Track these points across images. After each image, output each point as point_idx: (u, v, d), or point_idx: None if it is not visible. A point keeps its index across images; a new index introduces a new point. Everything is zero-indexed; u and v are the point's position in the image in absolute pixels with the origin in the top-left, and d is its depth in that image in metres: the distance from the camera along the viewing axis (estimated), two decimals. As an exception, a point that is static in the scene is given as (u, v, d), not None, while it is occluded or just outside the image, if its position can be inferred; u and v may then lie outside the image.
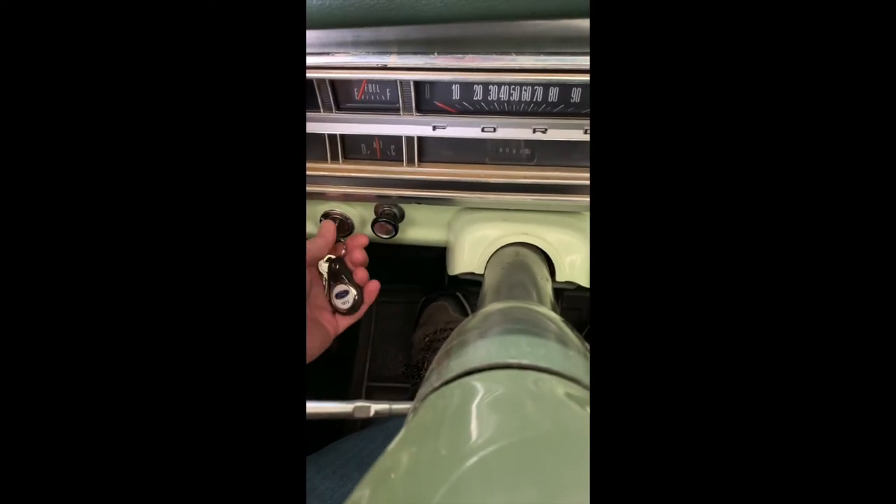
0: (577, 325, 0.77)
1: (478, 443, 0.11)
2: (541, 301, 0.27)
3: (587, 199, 0.39)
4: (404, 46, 0.32)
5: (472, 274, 0.41)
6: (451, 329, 0.86)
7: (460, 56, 0.34)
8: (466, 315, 0.86)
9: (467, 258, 0.40)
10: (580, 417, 0.13)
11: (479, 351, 0.17)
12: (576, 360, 0.17)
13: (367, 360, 0.92)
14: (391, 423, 0.48)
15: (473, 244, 0.40)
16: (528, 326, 0.19)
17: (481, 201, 0.41)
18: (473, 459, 0.11)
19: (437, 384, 0.16)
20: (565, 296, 0.81)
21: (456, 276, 0.44)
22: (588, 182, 0.39)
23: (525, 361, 0.16)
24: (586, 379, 0.16)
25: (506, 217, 0.40)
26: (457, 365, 0.16)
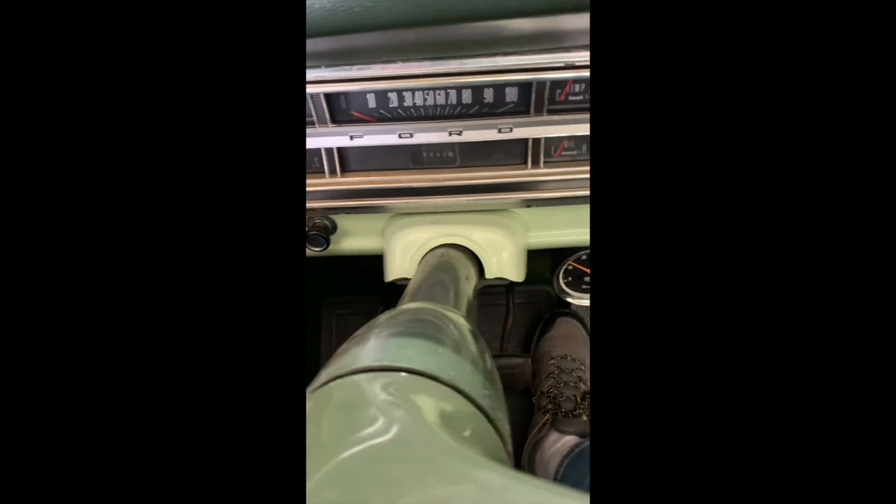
0: (534, 319, 0.78)
1: (324, 445, 0.12)
2: (457, 300, 0.28)
3: (514, 195, 0.40)
4: (312, 60, 0.32)
5: (406, 279, 0.41)
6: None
7: (370, 66, 0.34)
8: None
9: (399, 263, 0.41)
10: (416, 427, 0.13)
11: (364, 353, 0.17)
12: (462, 365, 0.17)
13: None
14: None
15: (404, 249, 0.40)
16: (428, 326, 0.19)
17: (410, 206, 0.41)
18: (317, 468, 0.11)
19: (320, 381, 0.16)
20: (519, 290, 0.82)
21: (393, 283, 0.44)
22: (511, 180, 0.40)
23: (397, 364, 0.16)
24: (469, 386, 0.16)
25: (434, 220, 0.41)
26: (342, 364, 0.16)
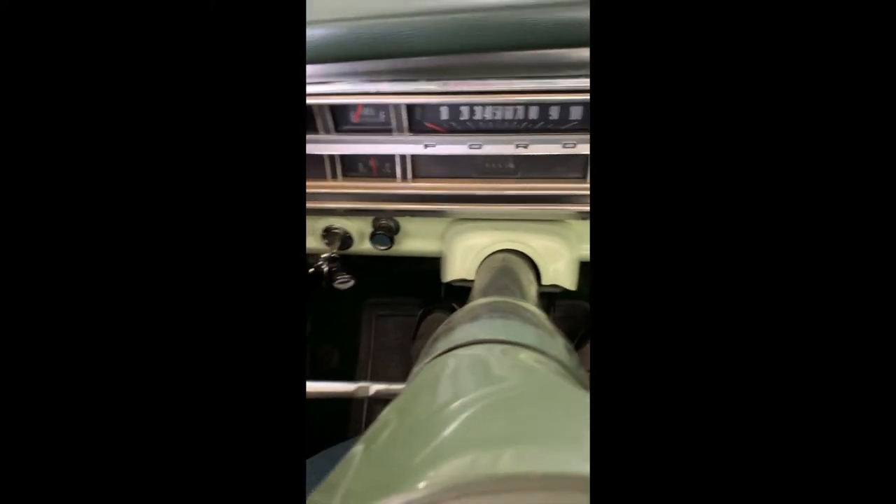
0: (569, 334, 0.79)
1: (452, 398, 0.14)
2: (525, 299, 0.30)
3: (569, 207, 0.42)
4: (395, 75, 0.36)
5: (464, 280, 0.44)
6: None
7: (447, 81, 0.38)
8: (464, 326, 0.89)
9: (459, 266, 0.43)
10: (538, 371, 0.16)
11: (461, 334, 0.20)
12: (545, 338, 0.20)
13: (368, 373, 0.94)
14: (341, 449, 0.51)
15: (464, 252, 0.43)
16: (507, 314, 0.22)
17: (471, 212, 0.44)
18: (453, 409, 0.13)
19: (425, 361, 0.19)
20: (558, 305, 0.84)
21: (451, 285, 0.46)
22: (568, 192, 0.42)
23: (499, 337, 0.18)
24: (554, 352, 0.19)
25: (494, 226, 0.43)
26: (443, 345, 0.19)
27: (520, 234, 0.42)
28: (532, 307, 0.25)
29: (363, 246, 0.49)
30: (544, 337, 0.20)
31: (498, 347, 0.18)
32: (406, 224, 0.48)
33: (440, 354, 0.18)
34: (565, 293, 0.70)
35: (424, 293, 0.96)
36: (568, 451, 0.11)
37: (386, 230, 0.46)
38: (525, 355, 0.17)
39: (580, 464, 0.10)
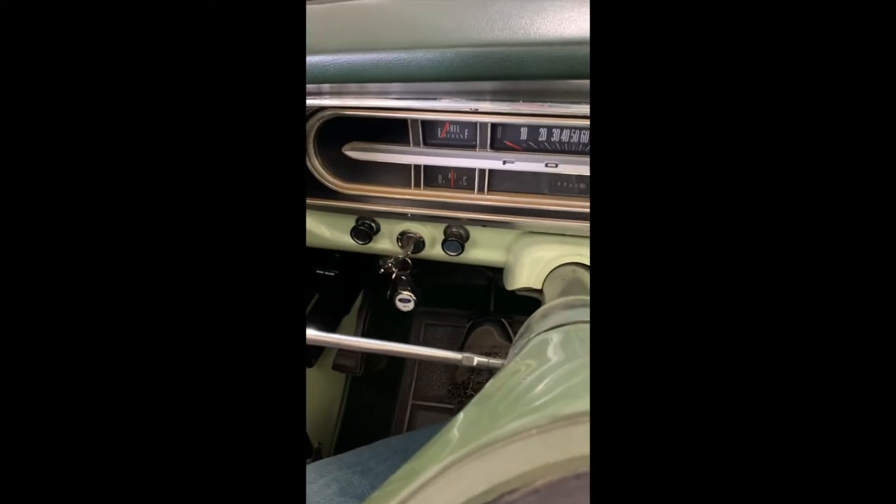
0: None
1: (565, 359, 0.17)
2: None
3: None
4: (496, 95, 0.39)
5: (529, 289, 0.46)
6: (496, 353, 0.90)
7: (529, 104, 0.41)
8: (510, 339, 0.91)
9: (526, 275, 0.46)
10: None
11: (560, 316, 0.23)
12: None
13: (413, 380, 0.97)
14: (433, 427, 0.53)
15: (532, 263, 0.46)
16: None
17: (540, 226, 0.47)
18: (574, 363, 0.16)
19: (531, 335, 0.22)
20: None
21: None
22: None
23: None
24: None
25: (562, 240, 0.46)
26: (543, 325, 0.22)
27: (586, 249, 0.44)
28: None
29: (434, 251, 0.53)
30: None
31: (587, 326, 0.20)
32: (476, 233, 0.52)
33: (540, 333, 0.21)
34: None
35: (473, 305, 0.98)
36: None
37: (457, 237, 0.50)
38: None
39: None
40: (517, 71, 0.37)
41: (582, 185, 0.46)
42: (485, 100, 0.39)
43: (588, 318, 0.21)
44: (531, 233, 0.48)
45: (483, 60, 0.37)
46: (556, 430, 0.12)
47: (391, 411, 0.94)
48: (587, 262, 0.44)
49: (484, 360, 0.33)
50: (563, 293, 0.34)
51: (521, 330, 0.25)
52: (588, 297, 0.28)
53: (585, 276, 0.41)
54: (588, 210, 0.45)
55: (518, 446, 0.12)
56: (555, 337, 0.20)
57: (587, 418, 0.12)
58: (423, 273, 0.96)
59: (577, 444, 0.12)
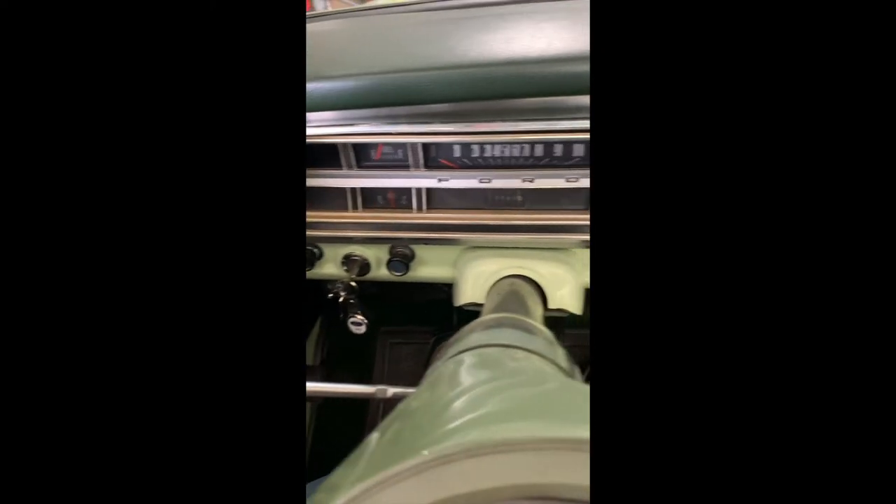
0: (580, 363, 0.79)
1: (467, 385, 0.17)
2: (532, 319, 0.33)
3: (573, 237, 0.45)
4: (413, 118, 0.40)
5: (475, 304, 0.46)
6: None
7: (459, 124, 0.42)
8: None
9: (470, 291, 0.46)
10: (544, 370, 0.18)
11: (472, 340, 0.23)
12: (547, 346, 0.22)
13: (381, 403, 0.95)
14: None
15: (475, 278, 0.46)
16: (514, 326, 0.24)
17: (482, 241, 0.47)
18: (465, 396, 0.16)
19: (448, 356, 0.21)
20: (568, 334, 0.85)
21: (463, 314, 0.49)
22: (572, 222, 0.45)
23: (508, 342, 0.21)
24: (555, 358, 0.21)
25: (503, 253, 0.46)
26: (454, 350, 0.22)
27: (527, 261, 0.45)
28: (539, 325, 0.28)
29: (380, 272, 0.52)
30: (546, 345, 0.22)
31: (506, 350, 0.20)
32: (421, 252, 0.51)
33: (453, 356, 0.21)
34: (573, 322, 0.72)
35: (436, 322, 0.98)
36: (557, 424, 0.14)
37: (401, 257, 0.50)
38: (528, 357, 0.20)
39: (568, 431, 0.13)
40: (418, 96, 0.38)
41: (519, 198, 0.46)
42: (401, 122, 0.39)
43: (503, 340, 0.21)
44: (474, 247, 0.49)
45: (397, 87, 0.37)
46: (438, 468, 0.12)
47: (361, 436, 0.92)
48: (527, 273, 0.45)
49: (400, 390, 0.33)
50: (496, 309, 0.34)
51: (442, 350, 0.25)
52: (512, 316, 0.28)
53: (522, 288, 0.41)
54: (524, 222, 0.45)
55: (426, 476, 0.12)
56: (466, 360, 0.20)
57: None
58: (384, 292, 0.95)
59: (454, 481, 0.12)
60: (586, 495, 0.11)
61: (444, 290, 0.98)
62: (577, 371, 0.24)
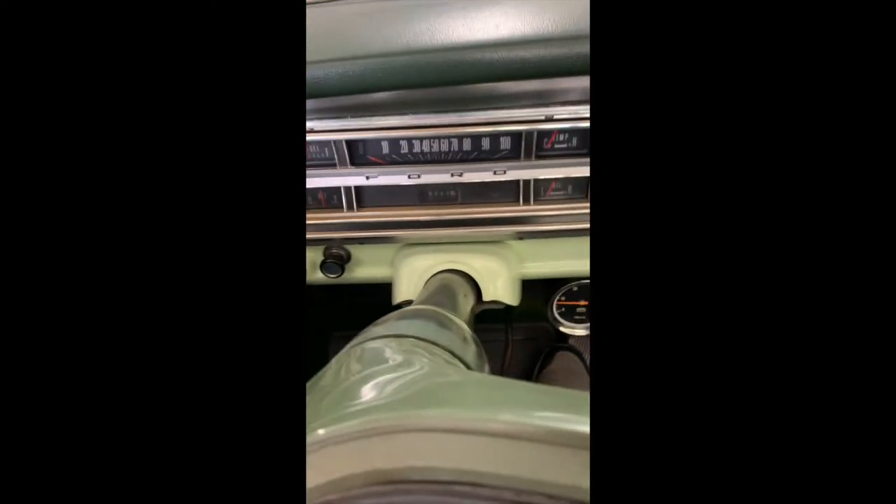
0: (535, 354, 0.81)
1: (364, 372, 0.17)
2: (456, 312, 0.33)
3: (507, 229, 0.45)
4: (336, 113, 0.39)
5: (410, 302, 0.46)
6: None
7: (385, 118, 0.41)
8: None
9: (405, 288, 0.46)
10: (422, 358, 0.18)
11: (374, 330, 0.22)
12: (466, 344, 0.22)
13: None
14: None
15: (410, 274, 0.45)
16: (428, 318, 0.24)
17: (416, 237, 0.47)
18: (348, 381, 0.16)
19: (350, 346, 0.21)
20: (518, 327, 0.86)
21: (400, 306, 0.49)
22: (504, 215, 0.45)
23: (415, 334, 0.21)
24: (457, 351, 0.21)
25: (437, 249, 0.46)
26: (355, 342, 0.21)
27: (460, 256, 0.45)
28: (458, 320, 0.27)
29: (315, 276, 0.51)
30: (455, 339, 0.22)
31: (403, 341, 0.20)
32: (357, 252, 0.50)
33: (359, 343, 0.21)
34: (526, 316, 0.73)
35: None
36: (421, 411, 0.13)
37: (336, 258, 0.48)
38: (428, 347, 0.20)
39: (425, 419, 0.13)
40: (339, 87, 0.37)
41: (452, 193, 0.46)
42: (325, 117, 0.39)
43: (409, 331, 0.21)
44: (409, 245, 0.48)
45: (316, 79, 0.36)
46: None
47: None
48: (461, 267, 0.44)
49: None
50: (423, 302, 0.34)
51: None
52: (431, 308, 0.28)
53: (454, 282, 0.41)
54: (458, 217, 0.45)
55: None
56: (345, 359, 0.20)
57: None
58: (333, 296, 0.93)
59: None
60: (437, 475, 0.11)
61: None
62: (486, 367, 0.24)
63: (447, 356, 0.20)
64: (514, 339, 0.81)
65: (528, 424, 0.11)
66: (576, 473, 0.11)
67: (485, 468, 0.11)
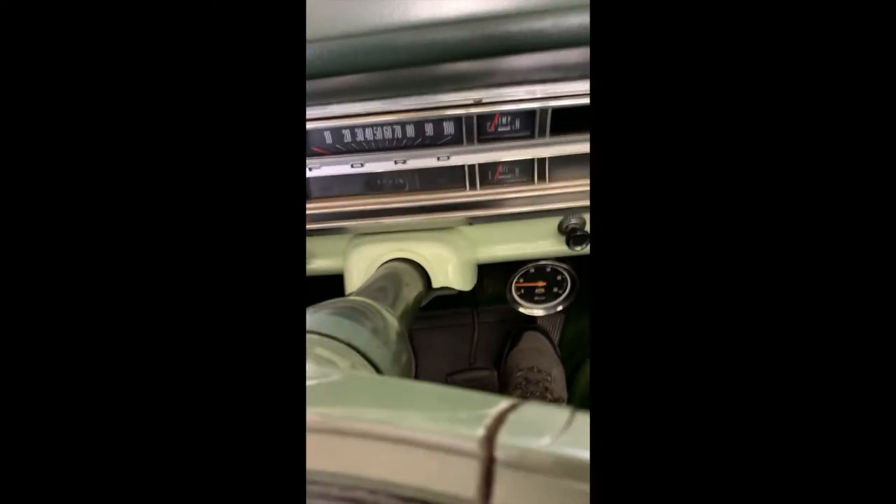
0: (505, 336, 0.82)
1: None
2: (395, 302, 0.33)
3: (456, 215, 0.45)
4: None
5: (363, 292, 0.46)
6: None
7: (325, 107, 0.41)
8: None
9: (356, 278, 0.45)
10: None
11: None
12: (373, 340, 0.22)
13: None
14: None
15: (358, 265, 0.45)
16: (340, 312, 0.24)
17: (367, 227, 0.46)
18: None
19: None
20: (490, 310, 0.87)
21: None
22: (453, 201, 0.45)
23: (311, 328, 0.21)
24: (370, 351, 0.21)
25: (386, 238, 0.46)
26: None
27: (409, 244, 0.45)
28: (389, 315, 0.27)
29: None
30: (366, 336, 0.22)
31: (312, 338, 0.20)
32: (311, 244, 0.50)
33: None
34: (496, 299, 0.73)
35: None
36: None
37: (288, 251, 0.48)
38: (319, 347, 0.20)
39: None
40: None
41: (400, 181, 0.46)
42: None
43: (315, 328, 0.21)
44: (360, 234, 0.48)
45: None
46: None
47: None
48: (409, 255, 0.44)
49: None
50: (363, 289, 0.34)
51: None
52: (353, 299, 0.28)
53: (399, 270, 0.41)
54: (407, 204, 0.45)
55: None
56: None
57: None
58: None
59: None
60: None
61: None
62: (406, 365, 0.24)
63: (347, 352, 0.20)
64: (483, 321, 0.82)
65: (358, 420, 0.12)
66: (399, 471, 0.11)
67: (314, 465, 0.11)
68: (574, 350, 0.83)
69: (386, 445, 0.11)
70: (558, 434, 0.11)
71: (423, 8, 0.36)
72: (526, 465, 0.10)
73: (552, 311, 0.64)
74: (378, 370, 0.21)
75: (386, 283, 0.36)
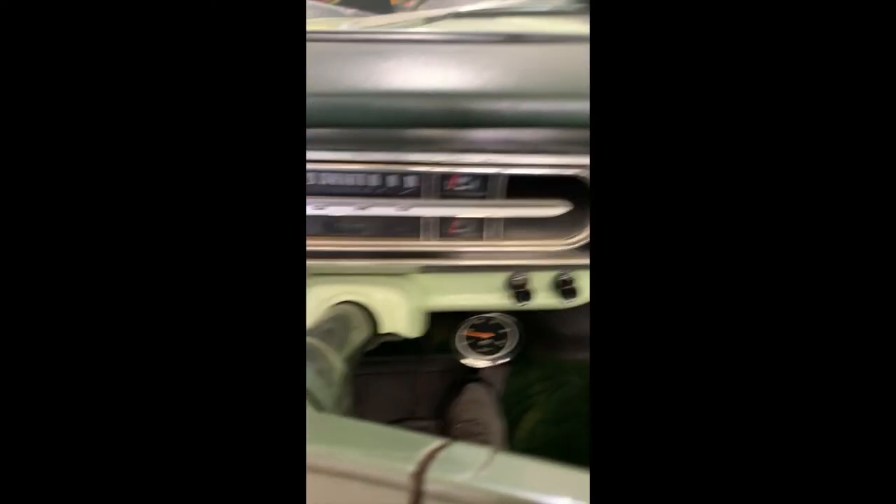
0: (448, 386, 0.81)
1: None
2: (341, 344, 0.33)
3: (409, 262, 0.47)
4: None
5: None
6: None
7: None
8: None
9: (308, 318, 0.46)
10: None
11: None
12: (318, 381, 0.23)
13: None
14: None
15: (310, 303, 0.46)
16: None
17: (322, 267, 0.47)
18: None
19: None
20: (436, 359, 0.87)
21: None
22: (406, 249, 0.47)
23: None
24: (320, 394, 0.22)
25: (340, 280, 0.47)
26: None
27: (361, 287, 0.46)
28: (328, 352, 0.28)
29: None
30: (311, 375, 0.23)
31: None
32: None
33: None
34: (442, 348, 0.74)
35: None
36: None
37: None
38: None
39: None
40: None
41: (359, 225, 0.48)
42: None
43: None
44: (314, 274, 0.48)
45: None
46: None
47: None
48: (359, 298, 0.45)
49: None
50: (310, 333, 0.35)
51: None
52: (308, 340, 0.28)
53: (347, 312, 0.42)
54: (364, 249, 0.47)
55: None
56: None
57: None
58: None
59: None
60: None
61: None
62: (342, 408, 0.25)
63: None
64: (427, 370, 0.82)
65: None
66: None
67: None
68: (517, 402, 0.84)
69: (325, 478, 0.12)
70: (479, 470, 0.12)
71: (395, 79, 0.40)
72: (450, 498, 0.11)
73: (496, 363, 0.65)
74: (321, 409, 0.21)
75: (334, 325, 0.37)
